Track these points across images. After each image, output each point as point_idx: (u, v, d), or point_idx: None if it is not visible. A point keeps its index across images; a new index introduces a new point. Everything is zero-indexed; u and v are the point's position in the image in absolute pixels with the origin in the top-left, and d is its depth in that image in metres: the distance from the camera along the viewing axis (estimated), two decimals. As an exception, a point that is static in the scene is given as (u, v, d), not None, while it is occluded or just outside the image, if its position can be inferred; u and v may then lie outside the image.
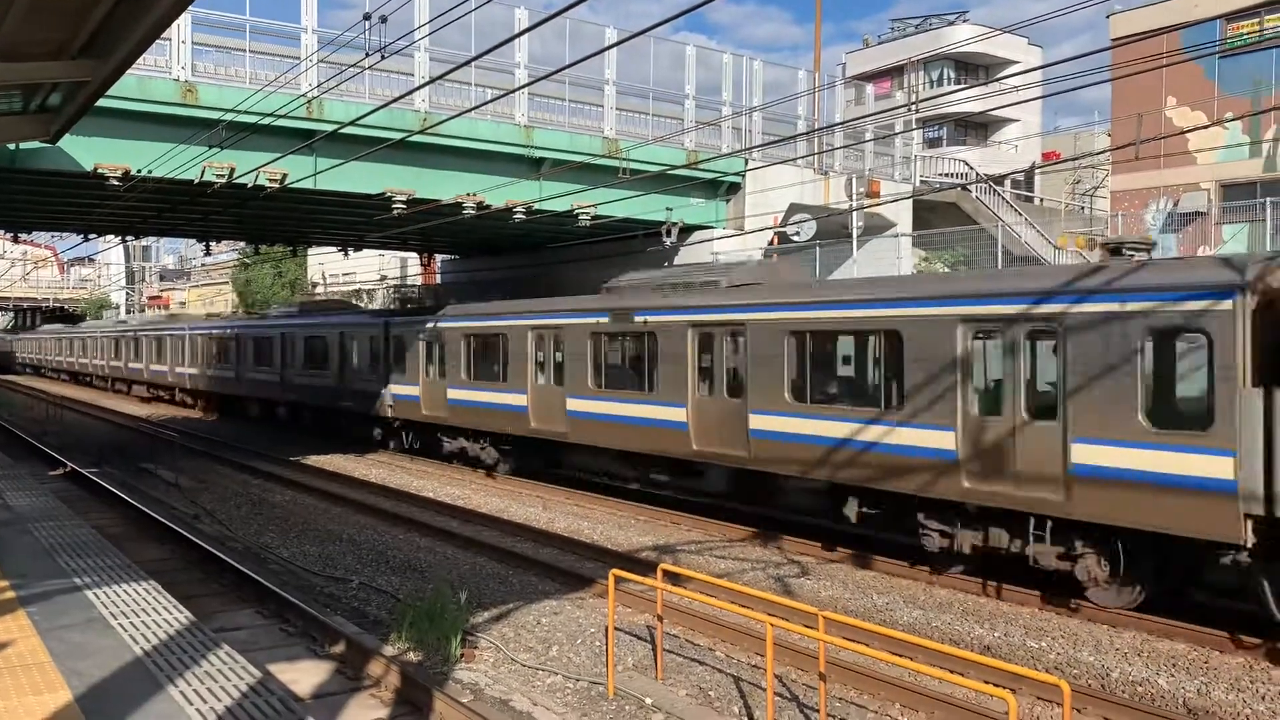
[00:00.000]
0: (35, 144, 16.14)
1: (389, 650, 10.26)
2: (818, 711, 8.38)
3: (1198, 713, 9.15)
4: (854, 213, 25.57)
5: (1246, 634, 10.69)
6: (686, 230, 25.12)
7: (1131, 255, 12.16)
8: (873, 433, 13.46)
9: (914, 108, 37.87)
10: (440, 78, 18.78)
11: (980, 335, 12.56)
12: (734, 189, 25.86)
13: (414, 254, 40.28)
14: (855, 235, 25.94)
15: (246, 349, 35.06)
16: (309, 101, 18.22)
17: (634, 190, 22.45)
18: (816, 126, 27.03)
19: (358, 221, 25.80)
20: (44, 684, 6.88)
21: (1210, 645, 10.73)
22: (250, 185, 18.83)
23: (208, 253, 34.01)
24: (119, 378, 52.33)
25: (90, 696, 6.67)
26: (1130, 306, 10.90)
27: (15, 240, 31.34)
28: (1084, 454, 11.18)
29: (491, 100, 20.31)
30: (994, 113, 48.41)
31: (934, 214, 31.39)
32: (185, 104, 18.09)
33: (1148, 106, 26.77)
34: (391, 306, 35.43)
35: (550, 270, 28.37)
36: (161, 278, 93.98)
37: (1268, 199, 25.06)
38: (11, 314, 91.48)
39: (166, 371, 43.73)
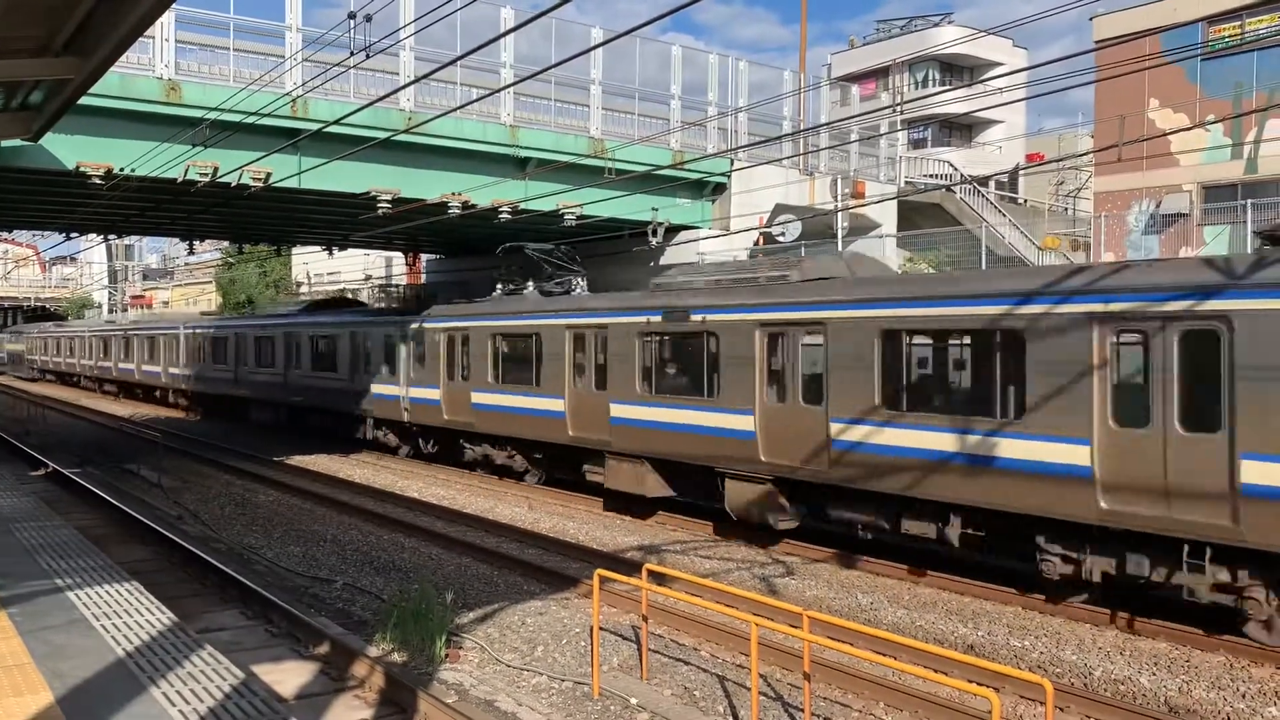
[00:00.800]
0: (17, 142, 15.99)
1: (373, 651, 10.24)
2: (802, 711, 8.39)
3: (1179, 711, 9.21)
4: (839, 213, 25.65)
5: (1228, 634, 10.77)
6: (672, 230, 25.15)
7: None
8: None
9: (899, 109, 38.01)
10: (425, 77, 18.74)
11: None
12: (720, 189, 25.89)
13: (399, 253, 40.22)
14: (840, 236, 26.03)
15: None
16: (293, 100, 18.15)
17: (620, 190, 22.46)
18: (802, 127, 27.09)
19: (342, 221, 25.72)
20: (25, 685, 6.83)
21: (1191, 644, 10.81)
22: (234, 184, 18.75)
23: (191, 252, 33.88)
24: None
25: (72, 698, 6.63)
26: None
27: (-4, 239, 31.24)
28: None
29: (477, 100, 20.27)
30: (979, 114, 48.62)
31: (919, 215, 31.53)
32: (169, 102, 17.99)
33: (1131, 108, 26.94)
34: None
35: (535, 270, 28.32)
36: (145, 277, 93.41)
37: (1248, 201, 25.26)
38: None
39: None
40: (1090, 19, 30.20)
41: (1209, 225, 27.81)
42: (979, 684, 8.27)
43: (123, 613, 8.70)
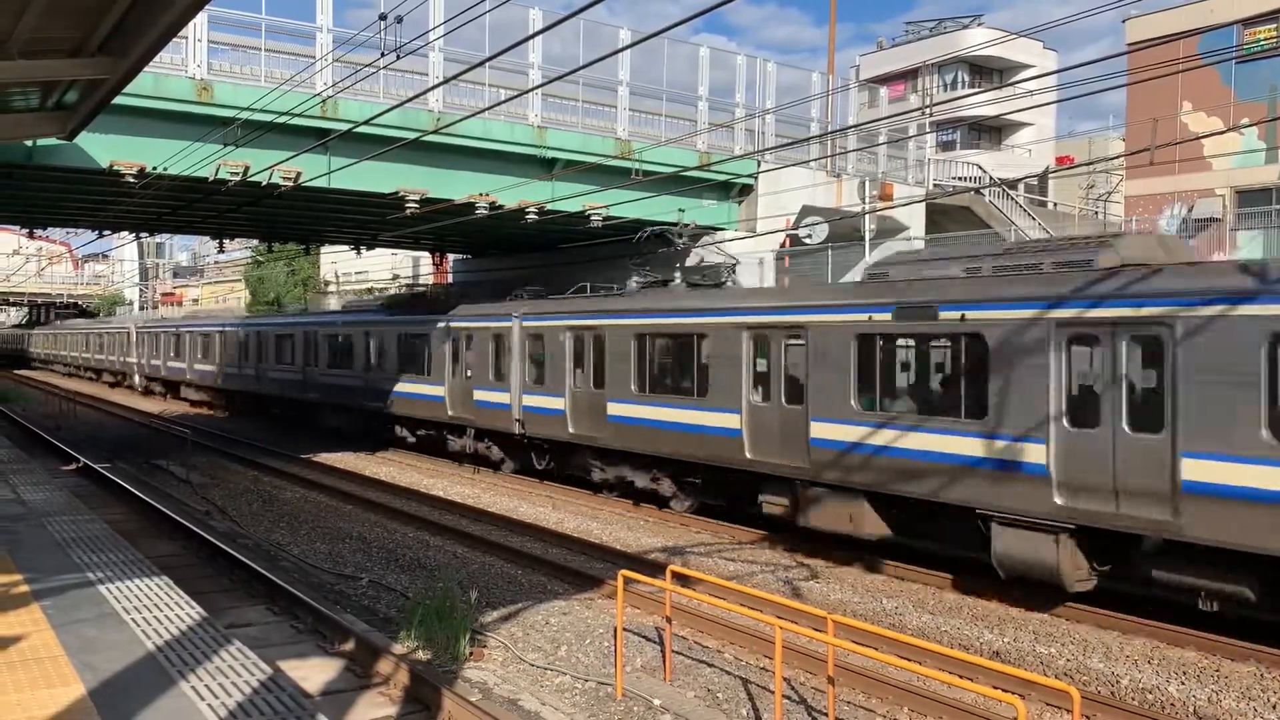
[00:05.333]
0: (52, 141, 16.23)
1: (398, 648, 10.30)
2: (826, 715, 8.37)
3: (1208, 721, 9.12)
4: (866, 215, 25.54)
5: (1256, 641, 10.64)
6: (698, 232, 25.12)
7: None
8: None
9: (928, 111, 37.80)
10: (454, 78, 18.82)
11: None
12: (746, 191, 25.85)
13: (426, 253, 40.42)
14: (867, 238, 25.91)
15: None
16: (324, 101, 18.28)
17: (646, 191, 22.46)
18: (830, 129, 27.00)
19: (371, 220, 25.86)
20: (57, 678, 6.93)
21: (1221, 653, 10.68)
22: (264, 184, 18.91)
23: (221, 250, 34.23)
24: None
25: (103, 690, 6.71)
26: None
27: (31, 236, 31.68)
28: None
29: (505, 101, 20.34)
30: (1008, 116, 48.27)
31: (947, 217, 31.32)
32: (200, 102, 18.18)
33: (1163, 112, 26.67)
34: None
35: (562, 270, 28.41)
36: (175, 274, 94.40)
37: (1283, 205, 24.96)
38: (26, 309, 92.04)
39: None
40: (1123, 21, 29.95)
41: (1242, 230, 27.49)
42: (1004, 690, 8.20)
43: (153, 607, 8.79)
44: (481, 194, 21.30)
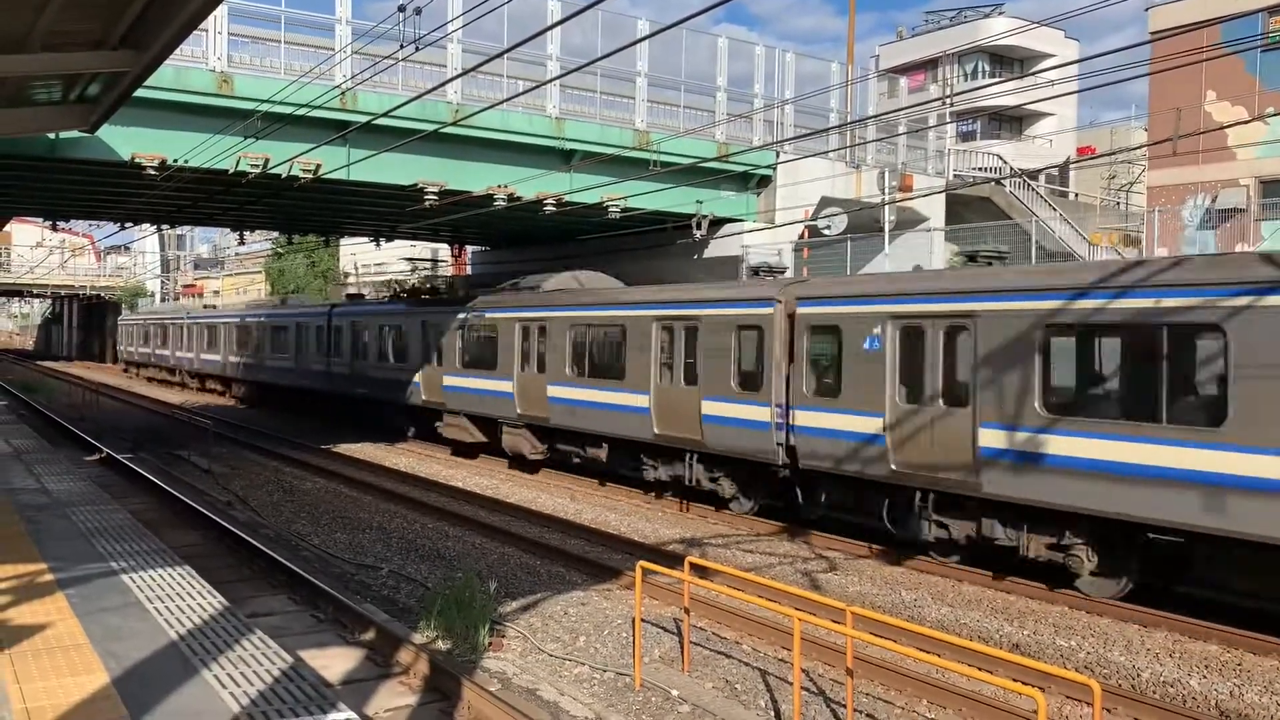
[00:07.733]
0: (74, 134, 16.35)
1: (418, 638, 10.35)
2: (845, 706, 8.36)
3: (1230, 715, 9.05)
4: (886, 207, 25.42)
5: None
6: (717, 223, 25.06)
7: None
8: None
9: (948, 101, 37.57)
10: (472, 70, 18.86)
11: None
12: (765, 182, 25.77)
13: (445, 244, 40.56)
14: (887, 229, 25.79)
15: None
16: (343, 93, 18.34)
17: (664, 183, 22.41)
18: (849, 119, 26.88)
19: (390, 212, 25.94)
20: (82, 665, 7.00)
21: (1243, 647, 10.61)
22: (284, 176, 18.99)
23: (241, 242, 34.42)
24: None
25: (127, 679, 6.77)
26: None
27: (54, 228, 31.98)
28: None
29: (524, 92, 20.36)
30: (1029, 107, 47.89)
31: (967, 208, 31.16)
32: (221, 95, 18.27)
33: (1187, 101, 26.39)
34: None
35: (579, 262, 28.41)
36: (196, 266, 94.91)
37: (1309, 196, 24.67)
38: (50, 301, 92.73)
39: None
40: (1146, 9, 29.66)
41: (1267, 220, 27.21)
42: (1024, 683, 8.18)
43: (175, 596, 8.87)
44: (500, 186, 21.33)
